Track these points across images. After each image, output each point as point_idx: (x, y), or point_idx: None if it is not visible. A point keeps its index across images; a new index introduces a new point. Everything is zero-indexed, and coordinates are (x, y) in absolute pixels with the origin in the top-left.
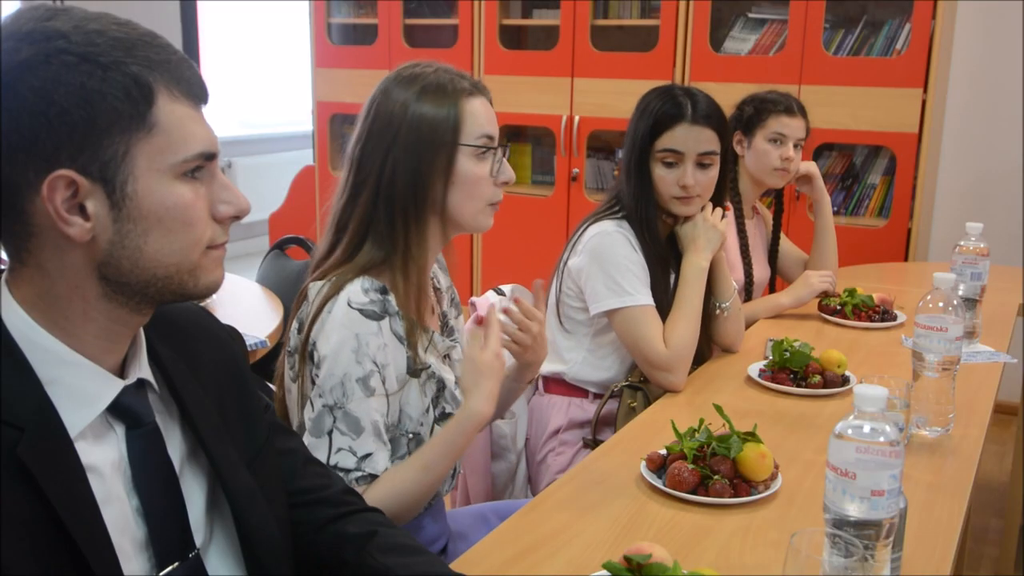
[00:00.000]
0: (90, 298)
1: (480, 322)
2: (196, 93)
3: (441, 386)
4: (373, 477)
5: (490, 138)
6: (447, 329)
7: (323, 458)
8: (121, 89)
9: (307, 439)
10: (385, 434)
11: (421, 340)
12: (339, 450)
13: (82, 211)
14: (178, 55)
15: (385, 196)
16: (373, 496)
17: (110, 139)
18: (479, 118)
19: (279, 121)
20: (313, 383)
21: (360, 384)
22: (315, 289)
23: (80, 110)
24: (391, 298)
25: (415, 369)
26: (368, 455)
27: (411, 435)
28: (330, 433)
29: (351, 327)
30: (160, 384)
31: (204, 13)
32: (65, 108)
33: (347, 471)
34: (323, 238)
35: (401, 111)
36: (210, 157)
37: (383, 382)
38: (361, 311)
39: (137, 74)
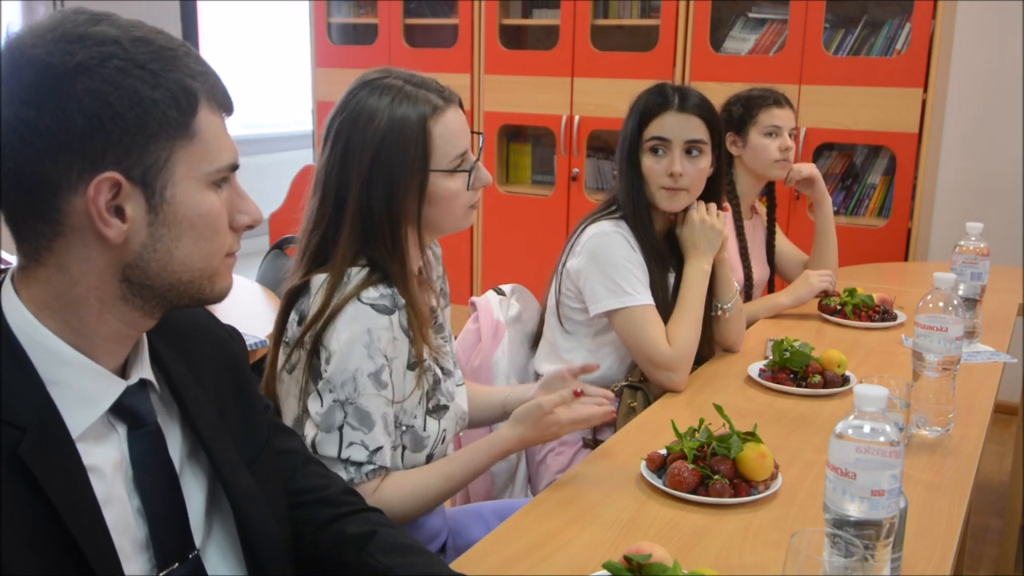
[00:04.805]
0: (108, 300)
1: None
2: (226, 105)
3: (436, 380)
4: (383, 469)
5: (463, 153)
6: (436, 325)
7: (334, 452)
8: (171, 96)
9: (314, 432)
10: (393, 427)
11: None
12: (351, 444)
13: (118, 213)
14: (210, 67)
15: (363, 219)
16: (390, 494)
17: (155, 144)
18: (450, 138)
19: (279, 121)
20: (318, 378)
21: (372, 379)
22: (318, 283)
23: (133, 114)
24: (397, 291)
25: (413, 363)
26: (379, 448)
27: (404, 427)
28: (341, 428)
29: (363, 322)
30: (161, 384)
31: (204, 13)
32: (119, 112)
33: (359, 464)
34: (303, 261)
35: (372, 138)
36: (235, 168)
37: (391, 375)
38: (373, 306)
39: (185, 83)
